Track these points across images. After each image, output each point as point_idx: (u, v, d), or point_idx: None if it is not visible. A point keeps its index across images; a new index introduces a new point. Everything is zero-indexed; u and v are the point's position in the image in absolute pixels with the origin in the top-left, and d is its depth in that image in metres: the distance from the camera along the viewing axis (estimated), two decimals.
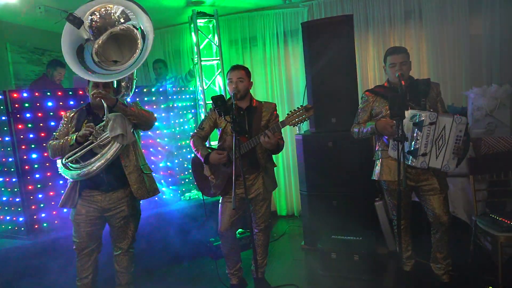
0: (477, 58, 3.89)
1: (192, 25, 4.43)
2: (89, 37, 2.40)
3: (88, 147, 2.41)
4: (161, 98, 3.88)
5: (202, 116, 4.44)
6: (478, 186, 3.07)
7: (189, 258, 3.68)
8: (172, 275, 3.43)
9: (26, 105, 3.04)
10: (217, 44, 4.52)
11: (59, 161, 2.51)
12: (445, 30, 3.97)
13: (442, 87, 3.98)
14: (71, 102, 3.23)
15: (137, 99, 3.68)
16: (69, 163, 2.43)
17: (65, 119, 2.56)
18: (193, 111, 4.47)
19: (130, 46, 2.41)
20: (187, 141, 4.19)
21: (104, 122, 2.42)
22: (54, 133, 2.56)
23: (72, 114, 2.56)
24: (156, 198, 3.80)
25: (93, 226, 2.51)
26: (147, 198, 2.64)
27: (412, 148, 2.40)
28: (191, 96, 4.48)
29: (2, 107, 3.01)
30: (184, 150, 4.21)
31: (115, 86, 2.63)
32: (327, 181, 3.58)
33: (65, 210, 3.07)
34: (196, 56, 4.44)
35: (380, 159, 2.70)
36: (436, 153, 2.39)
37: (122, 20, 2.40)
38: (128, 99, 2.76)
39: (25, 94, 3.06)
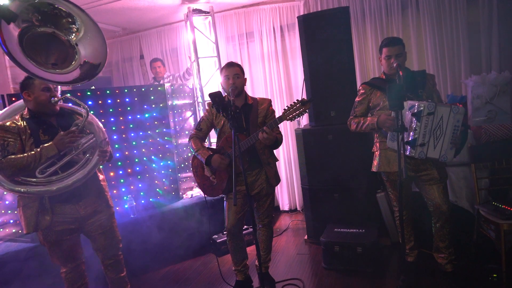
0: (476, 46, 3.85)
1: (188, 23, 4.41)
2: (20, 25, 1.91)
3: (70, 155, 2.17)
4: (160, 97, 3.87)
5: (202, 114, 4.44)
6: (479, 175, 3.06)
7: (192, 255, 3.69)
8: (175, 272, 3.45)
9: None
10: (214, 41, 4.50)
11: (7, 186, 2.09)
12: (442, 19, 3.93)
13: (441, 76, 3.99)
14: (70, 104, 3.22)
15: (136, 98, 3.70)
16: (42, 178, 2.10)
17: (11, 133, 2.13)
18: (192, 109, 4.47)
19: (59, 58, 2.07)
20: (187, 140, 4.19)
21: (74, 127, 2.24)
22: (5, 151, 2.10)
23: (18, 125, 2.16)
24: (159, 197, 3.82)
25: (72, 240, 2.33)
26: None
27: (410, 139, 2.39)
28: (190, 94, 4.48)
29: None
30: (184, 148, 4.21)
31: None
32: (328, 175, 3.58)
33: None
34: (194, 53, 4.43)
35: (378, 151, 2.70)
36: (434, 143, 2.37)
37: (72, 37, 2.07)
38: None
39: None
